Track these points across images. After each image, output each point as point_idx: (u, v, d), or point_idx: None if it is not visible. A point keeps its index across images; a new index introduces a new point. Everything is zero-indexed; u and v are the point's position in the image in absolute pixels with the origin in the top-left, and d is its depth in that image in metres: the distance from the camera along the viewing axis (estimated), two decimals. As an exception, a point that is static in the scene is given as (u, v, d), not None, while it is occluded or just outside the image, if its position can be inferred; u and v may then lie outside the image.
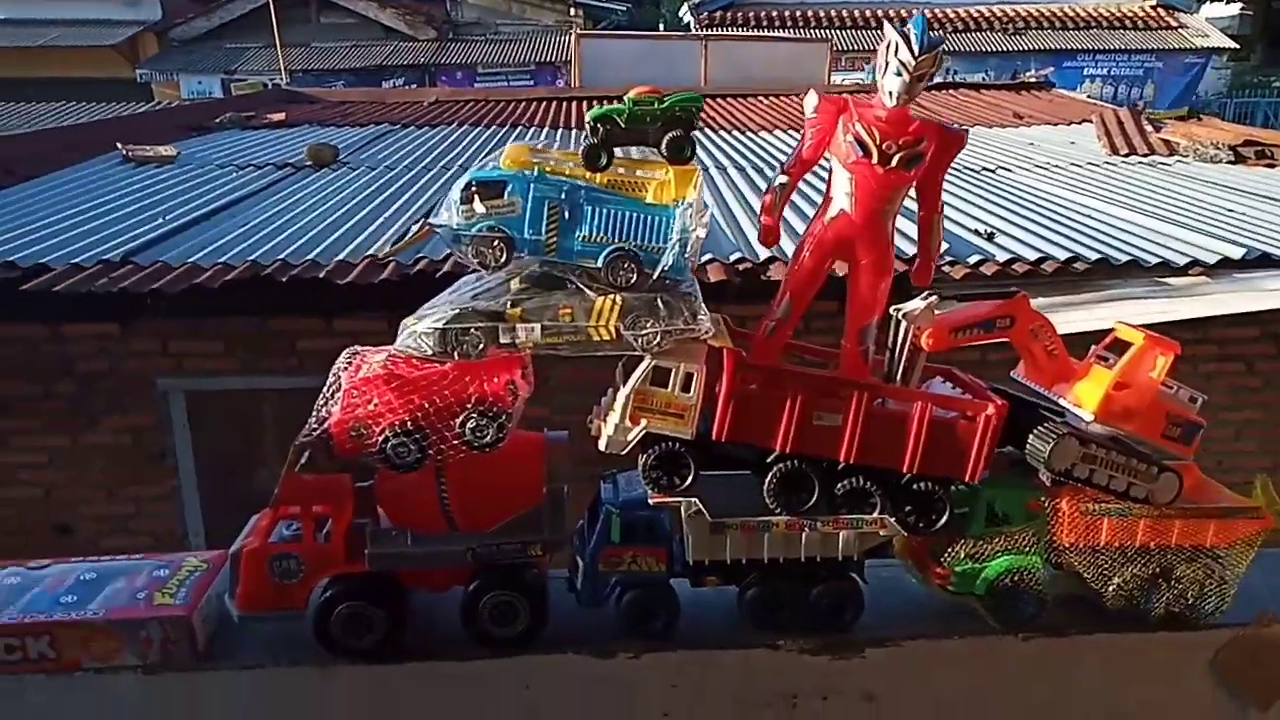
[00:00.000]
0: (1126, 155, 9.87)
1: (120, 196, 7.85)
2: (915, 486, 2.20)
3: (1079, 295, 5.99)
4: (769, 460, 2.16)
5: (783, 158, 10.78)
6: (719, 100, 12.82)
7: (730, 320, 2.28)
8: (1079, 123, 11.59)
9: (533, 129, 12.44)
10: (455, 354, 2.06)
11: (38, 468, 7.10)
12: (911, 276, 2.19)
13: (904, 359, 2.16)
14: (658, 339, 2.06)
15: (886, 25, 2.01)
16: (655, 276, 2.04)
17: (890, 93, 1.98)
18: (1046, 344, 2.23)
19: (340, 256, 6.07)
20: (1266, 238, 6.67)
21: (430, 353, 2.06)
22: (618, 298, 2.05)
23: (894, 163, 2.00)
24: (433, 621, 2.29)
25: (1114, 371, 2.16)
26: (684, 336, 2.06)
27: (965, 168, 9.32)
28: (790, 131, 12.05)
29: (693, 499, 2.16)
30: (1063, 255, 6.03)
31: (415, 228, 2.23)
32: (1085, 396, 2.18)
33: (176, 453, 7.26)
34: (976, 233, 6.70)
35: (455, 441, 2.09)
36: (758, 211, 2.18)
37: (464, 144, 10.81)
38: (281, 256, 6.00)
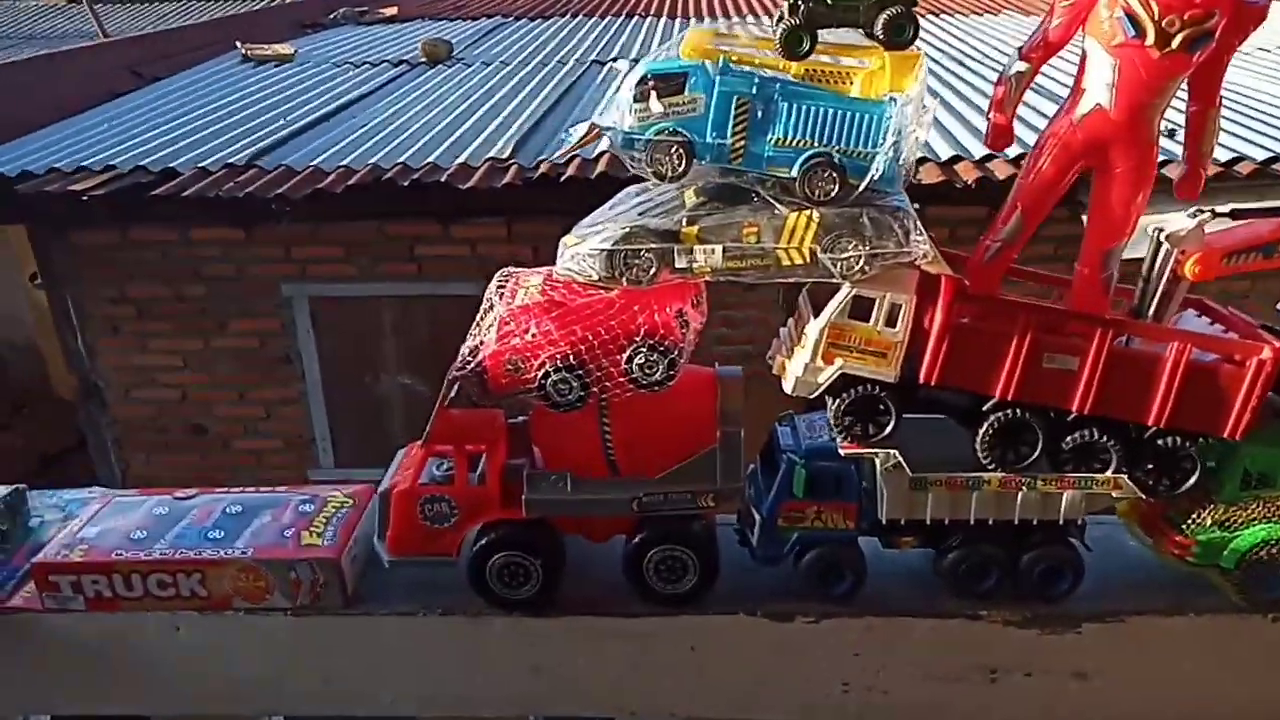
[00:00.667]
0: None
1: (241, 97, 7.80)
2: (1160, 442, 1.85)
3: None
4: (985, 408, 1.84)
5: (943, 47, 9.99)
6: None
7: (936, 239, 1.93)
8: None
9: (649, 18, 11.85)
10: (623, 279, 1.79)
11: (174, 370, 7.33)
12: (1176, 188, 1.78)
13: (1161, 290, 1.78)
14: (860, 263, 1.73)
15: None
16: (861, 188, 1.70)
17: (1177, -49, 1.55)
18: (1342, 272, 1.81)
19: (460, 159, 5.87)
20: None
21: (595, 277, 1.80)
22: (814, 213, 1.73)
23: (1174, 44, 1.58)
24: (586, 570, 2.09)
25: None
26: (894, 261, 1.73)
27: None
28: (956, 16, 11.11)
29: (891, 450, 1.87)
30: (1260, 155, 5.32)
31: (578, 130, 1.92)
32: (1393, 339, 1.76)
33: (302, 357, 7.36)
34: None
35: (621, 379, 1.84)
36: (987, 107, 1.79)
37: (579, 36, 10.37)
38: (401, 159, 5.83)
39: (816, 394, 1.85)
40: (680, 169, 1.72)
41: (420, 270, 6.95)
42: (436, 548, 1.99)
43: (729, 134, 1.70)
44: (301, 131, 6.66)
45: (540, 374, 1.84)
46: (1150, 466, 1.88)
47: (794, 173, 1.71)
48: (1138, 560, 2.11)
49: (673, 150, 1.71)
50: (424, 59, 8.84)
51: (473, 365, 1.88)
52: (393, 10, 12.25)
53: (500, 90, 7.74)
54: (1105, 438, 1.85)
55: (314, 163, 5.82)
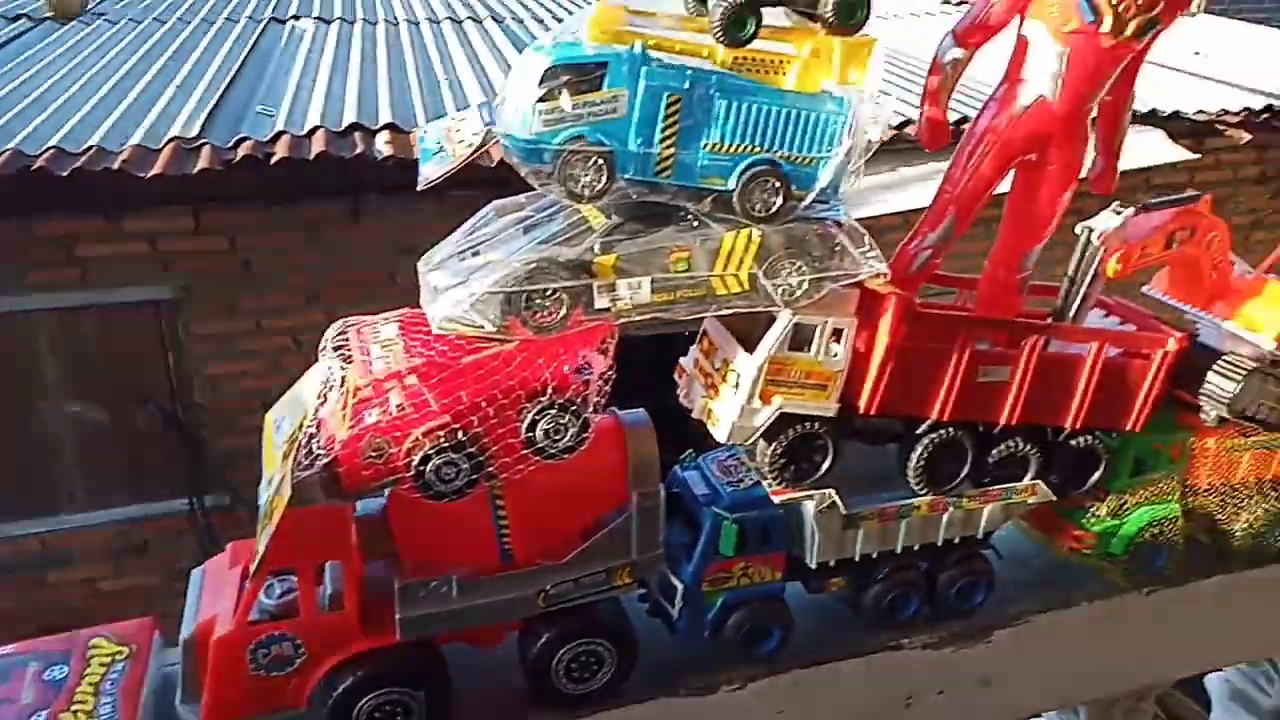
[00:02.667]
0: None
1: None
2: (1073, 443, 1.80)
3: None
4: (920, 431, 1.68)
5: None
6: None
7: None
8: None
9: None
10: (528, 326, 1.38)
11: None
12: (1092, 184, 1.71)
13: (1085, 289, 1.71)
14: (805, 288, 1.47)
15: None
16: (808, 201, 1.44)
17: (1122, -72, 1.43)
18: (1216, 259, 1.85)
19: (134, 139, 4.84)
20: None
21: (490, 327, 1.37)
22: (754, 232, 1.43)
23: (1129, 30, 1.46)
24: (463, 680, 1.68)
25: (1303, 290, 1.82)
26: (845, 282, 1.48)
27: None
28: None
29: (828, 490, 1.65)
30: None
31: (436, 130, 1.44)
32: (1262, 320, 1.83)
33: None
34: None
35: (522, 451, 1.45)
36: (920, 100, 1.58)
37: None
38: (54, 143, 4.69)
39: (751, 439, 1.58)
40: (600, 185, 1.34)
41: (85, 276, 5.74)
42: (278, 703, 1.48)
43: (658, 140, 1.35)
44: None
45: (417, 458, 1.39)
46: (1062, 468, 1.83)
47: (731, 185, 1.40)
48: (1026, 556, 2.09)
49: (592, 163, 1.32)
50: (50, 14, 7.26)
51: (321, 457, 1.38)
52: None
53: (163, 54, 6.54)
54: (1027, 445, 1.76)
55: (-75, 150, 4.51)
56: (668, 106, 1.33)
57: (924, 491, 1.73)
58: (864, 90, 1.40)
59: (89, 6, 7.47)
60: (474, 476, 1.43)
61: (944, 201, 1.62)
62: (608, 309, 1.41)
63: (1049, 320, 1.75)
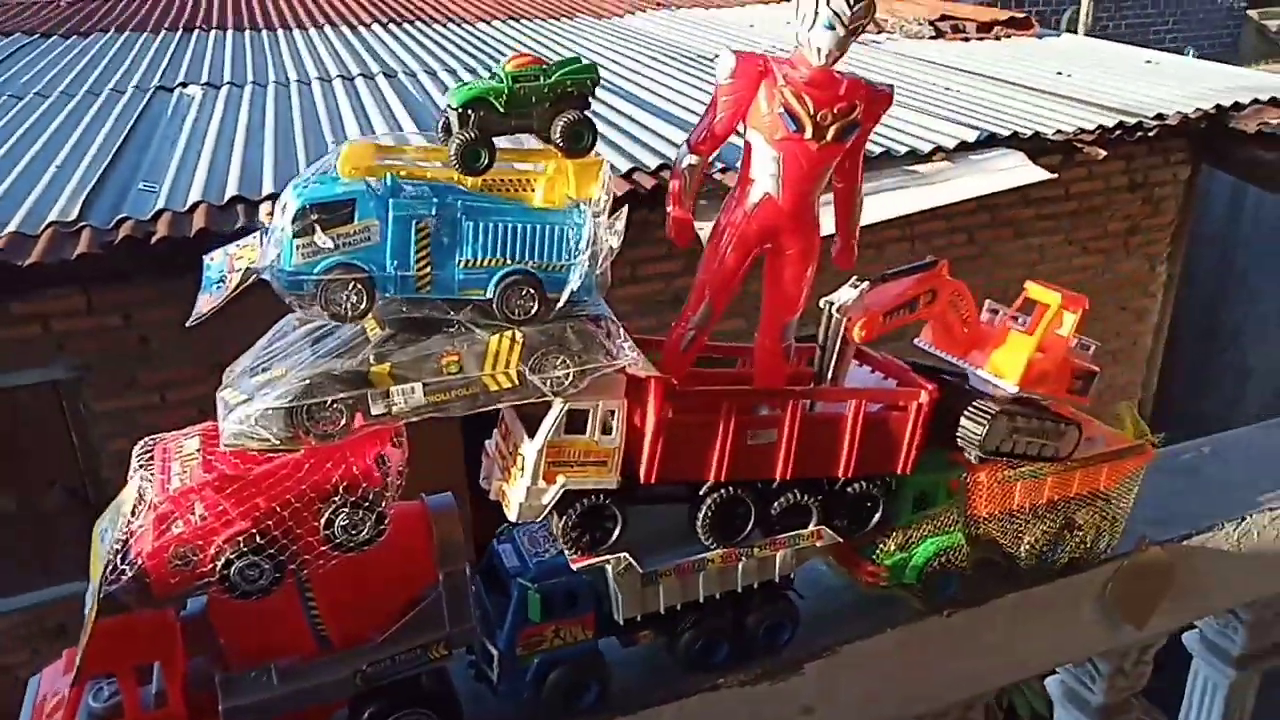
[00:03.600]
0: (938, 31, 10.08)
1: None
2: (849, 489, 2.00)
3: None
4: (702, 493, 1.86)
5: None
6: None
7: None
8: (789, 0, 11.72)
9: (214, 32, 10.71)
10: (310, 437, 1.53)
11: None
12: (834, 259, 1.92)
13: (836, 354, 1.91)
14: (570, 379, 1.65)
15: None
16: (562, 302, 1.61)
17: (819, 49, 1.65)
18: (963, 314, 2.07)
19: (10, 226, 4.85)
20: (988, 117, 7.17)
21: (275, 441, 1.52)
22: (516, 333, 1.60)
23: (829, 136, 1.68)
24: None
25: (1035, 338, 2.05)
26: (605, 371, 1.66)
27: (696, 55, 9.20)
28: (508, 21, 11.27)
29: (622, 554, 1.82)
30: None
31: (241, 252, 1.59)
32: (1006, 367, 2.06)
33: None
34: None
35: (322, 547, 1.59)
36: (666, 204, 1.78)
37: (131, 56, 9.08)
38: (-75, 234, 4.68)
39: (542, 516, 1.75)
40: (362, 307, 1.50)
41: (-24, 365, 5.68)
42: (106, 803, 1.59)
43: (413, 262, 1.51)
44: None
45: (221, 562, 1.53)
46: (843, 513, 2.02)
47: (490, 294, 1.57)
48: (836, 592, 2.29)
49: (350, 288, 1.48)
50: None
51: (126, 570, 1.50)
52: None
53: (44, 130, 6.52)
54: (805, 496, 1.96)
55: None
56: (418, 232, 1.50)
57: (714, 546, 1.91)
58: (599, 203, 1.59)
59: (-32, 85, 7.42)
60: (278, 575, 1.57)
61: (701, 287, 1.82)
62: (386, 413, 1.56)
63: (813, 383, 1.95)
